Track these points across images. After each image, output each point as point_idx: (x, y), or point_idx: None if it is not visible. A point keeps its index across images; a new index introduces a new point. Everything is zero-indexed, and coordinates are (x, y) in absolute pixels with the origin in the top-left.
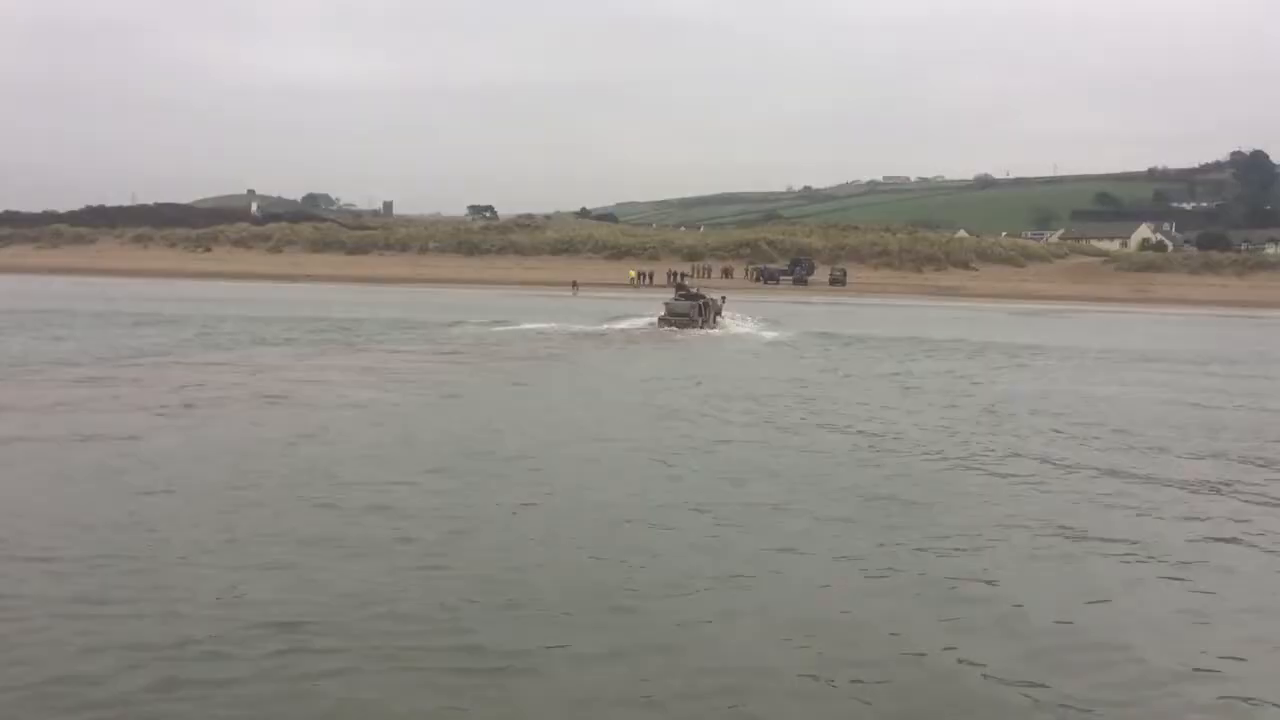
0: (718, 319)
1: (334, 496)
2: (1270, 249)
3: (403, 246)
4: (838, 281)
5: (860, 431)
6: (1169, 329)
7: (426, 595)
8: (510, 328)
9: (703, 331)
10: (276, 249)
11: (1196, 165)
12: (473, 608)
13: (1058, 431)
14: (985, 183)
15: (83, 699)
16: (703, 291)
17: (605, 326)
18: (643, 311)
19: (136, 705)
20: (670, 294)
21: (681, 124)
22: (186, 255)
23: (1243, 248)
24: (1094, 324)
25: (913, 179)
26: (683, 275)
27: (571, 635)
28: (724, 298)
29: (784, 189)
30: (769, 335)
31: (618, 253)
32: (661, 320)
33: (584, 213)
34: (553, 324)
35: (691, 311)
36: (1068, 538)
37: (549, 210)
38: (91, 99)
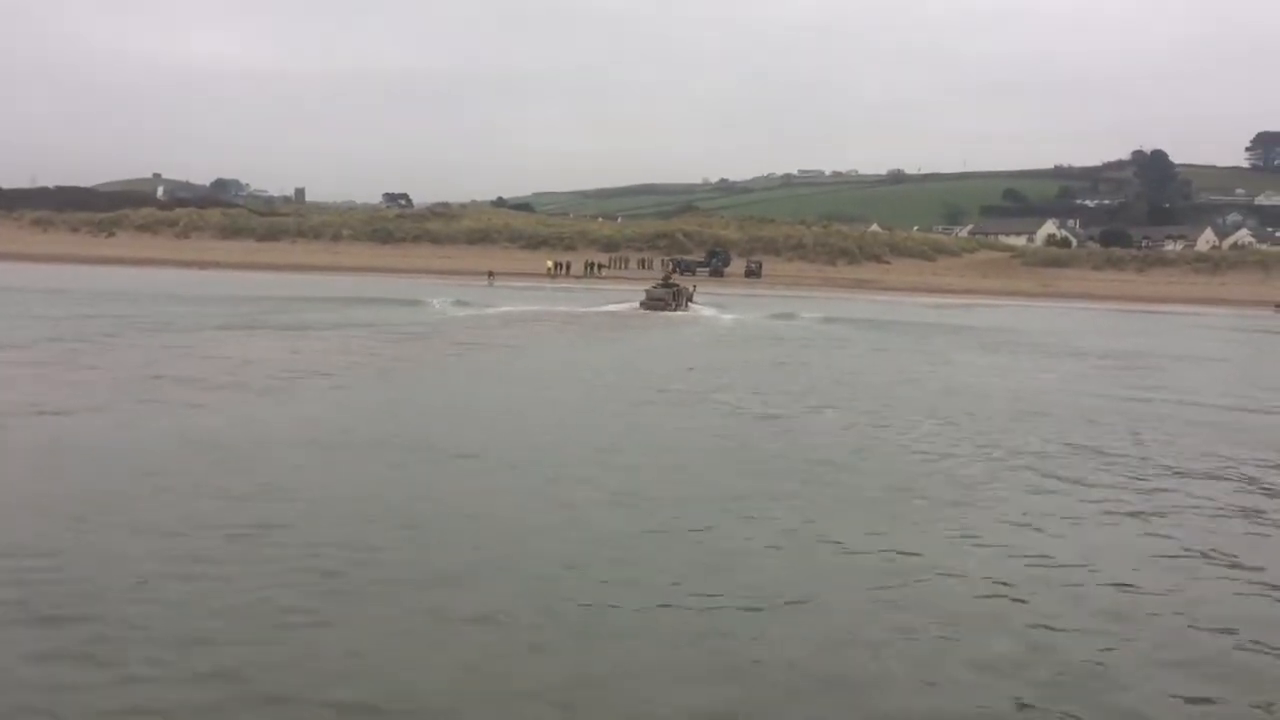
0: (688, 304)
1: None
2: (1169, 246)
3: (315, 234)
4: (753, 274)
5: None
6: (1076, 321)
7: None
8: (527, 308)
9: (678, 313)
10: (184, 234)
11: (1100, 163)
12: None
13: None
14: (898, 178)
15: None
16: (676, 281)
17: (604, 308)
18: (628, 298)
19: None
20: (605, 281)
21: (599, 114)
22: (90, 240)
23: (1143, 244)
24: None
25: (828, 173)
26: (672, 267)
27: None
28: (695, 287)
29: (700, 181)
30: (727, 318)
31: (534, 242)
32: (643, 304)
33: (500, 202)
34: (571, 307)
35: (667, 297)
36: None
37: (465, 199)
38: None
